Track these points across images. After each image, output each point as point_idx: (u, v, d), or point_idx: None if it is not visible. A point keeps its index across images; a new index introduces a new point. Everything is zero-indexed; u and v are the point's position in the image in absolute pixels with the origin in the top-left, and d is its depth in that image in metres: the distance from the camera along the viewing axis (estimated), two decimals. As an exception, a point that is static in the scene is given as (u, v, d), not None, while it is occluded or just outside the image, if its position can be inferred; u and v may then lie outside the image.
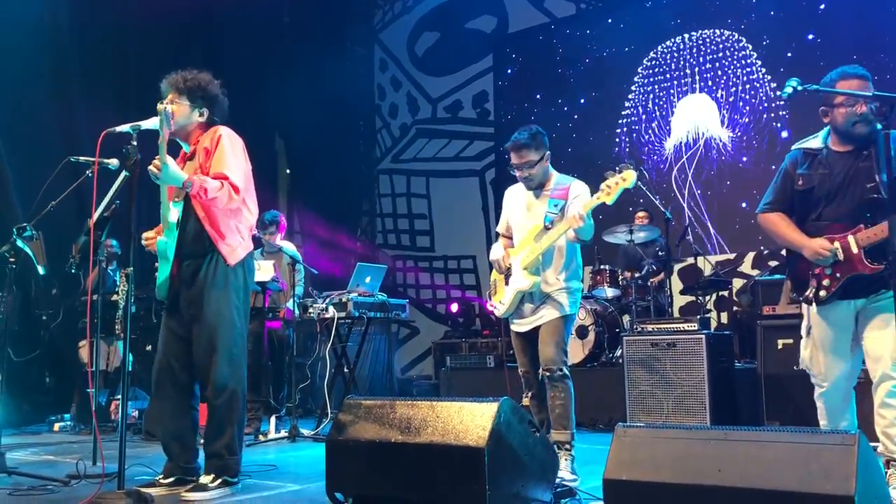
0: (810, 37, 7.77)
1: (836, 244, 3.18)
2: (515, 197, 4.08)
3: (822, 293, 3.25)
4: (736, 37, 8.27)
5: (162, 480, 3.66)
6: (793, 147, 3.46)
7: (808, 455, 2.21)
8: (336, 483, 3.14)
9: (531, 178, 3.89)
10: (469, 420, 2.87)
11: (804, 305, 3.41)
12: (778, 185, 3.45)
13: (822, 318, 3.32)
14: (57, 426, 6.71)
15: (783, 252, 7.47)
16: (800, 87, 2.88)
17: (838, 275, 3.20)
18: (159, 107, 3.45)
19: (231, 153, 3.63)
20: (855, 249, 3.15)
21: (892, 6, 7.29)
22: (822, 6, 7.75)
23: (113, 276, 6.85)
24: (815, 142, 3.36)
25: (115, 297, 6.13)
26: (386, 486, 3.01)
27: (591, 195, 3.74)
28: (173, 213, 3.68)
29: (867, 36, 7.31)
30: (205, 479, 3.57)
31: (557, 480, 3.25)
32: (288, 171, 10.72)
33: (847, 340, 3.29)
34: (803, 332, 3.42)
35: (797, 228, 3.35)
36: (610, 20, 9.13)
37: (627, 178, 3.53)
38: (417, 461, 2.94)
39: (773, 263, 7.68)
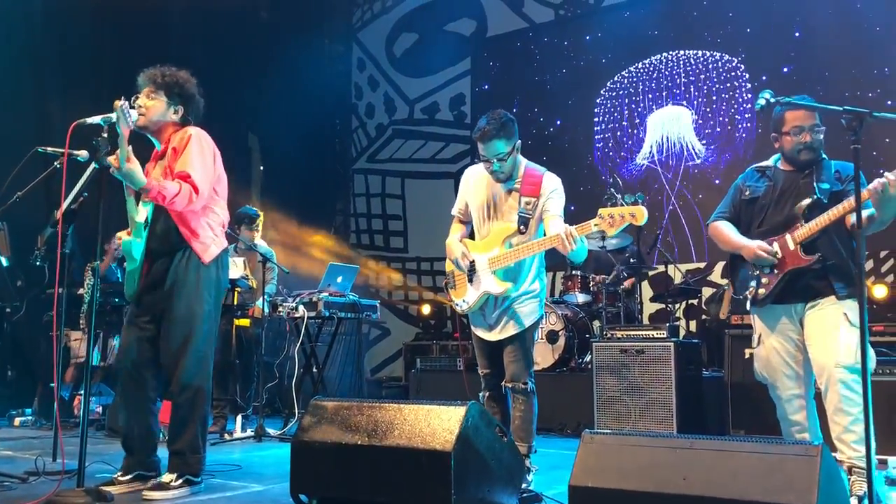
0: (786, 69, 7.86)
1: (775, 245, 3.38)
2: (478, 181, 3.78)
3: (762, 291, 3.40)
4: (711, 52, 8.35)
5: (121, 478, 3.60)
6: (749, 168, 3.72)
7: (771, 465, 2.23)
8: (300, 485, 3.11)
9: (501, 172, 3.62)
10: (436, 424, 2.86)
11: (753, 316, 3.56)
12: (728, 198, 3.72)
13: (766, 325, 3.48)
14: (17, 420, 6.58)
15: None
16: (773, 100, 2.94)
17: (776, 272, 3.38)
18: (116, 103, 3.35)
19: (198, 154, 3.57)
20: (792, 246, 3.35)
21: (865, 23, 7.40)
22: (797, 32, 7.85)
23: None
24: (767, 162, 3.64)
25: (81, 291, 6.04)
26: (351, 489, 2.99)
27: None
28: (142, 213, 3.64)
29: (839, 55, 7.41)
30: (167, 477, 3.52)
31: (523, 486, 3.24)
32: (262, 167, 10.63)
33: (793, 347, 3.42)
34: (754, 342, 3.57)
35: (738, 233, 3.57)
36: (588, 28, 9.17)
37: (638, 215, 3.29)
38: (383, 464, 2.92)
39: (742, 273, 7.75)
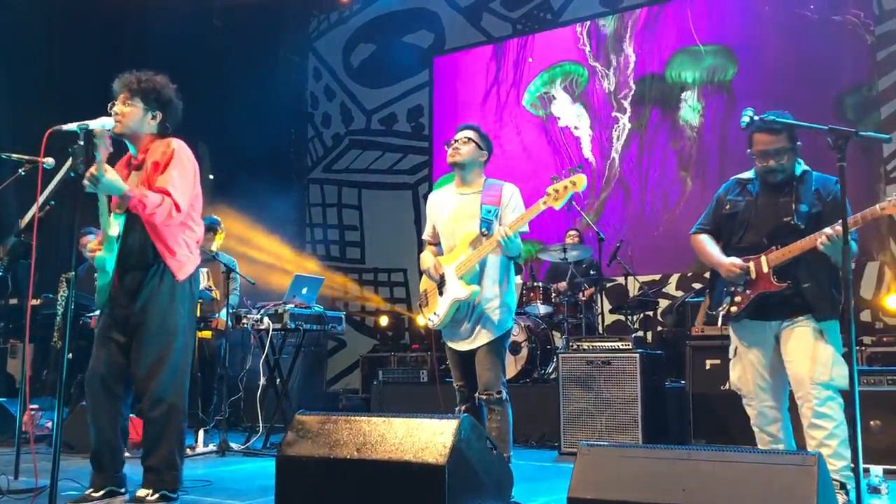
0: (735, 90, 8.10)
1: (750, 264, 3.44)
2: (442, 201, 3.95)
3: (734, 309, 3.48)
4: (666, 68, 8.55)
5: (94, 494, 3.49)
6: (731, 178, 3.74)
7: (770, 475, 2.27)
8: (286, 501, 3.05)
9: (459, 155, 3.79)
10: (429, 437, 2.84)
11: (730, 329, 3.62)
12: (710, 210, 3.75)
13: (742, 339, 3.55)
14: (-40, 437, 6.30)
15: (706, 274, 7.84)
16: (756, 117, 3.01)
17: (749, 292, 3.46)
18: (97, 130, 3.25)
19: (180, 171, 3.53)
20: (765, 269, 3.41)
21: (815, 51, 7.67)
22: (744, 53, 8.11)
23: None
24: (748, 173, 3.66)
25: (35, 302, 5.82)
26: (340, 504, 2.95)
27: (527, 201, 3.74)
28: (114, 226, 3.53)
29: (788, 79, 7.67)
30: (142, 492, 3.43)
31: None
32: (211, 176, 10.44)
33: (768, 361, 3.48)
34: (731, 353, 3.62)
35: (718, 249, 3.62)
36: (546, 41, 9.30)
37: (578, 182, 3.47)
38: (374, 478, 2.89)
39: (696, 285, 7.94)
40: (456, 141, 3.84)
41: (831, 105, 7.51)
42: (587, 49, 8.98)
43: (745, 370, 3.53)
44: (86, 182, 3.27)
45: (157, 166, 3.52)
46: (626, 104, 8.72)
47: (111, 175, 3.30)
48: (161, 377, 3.47)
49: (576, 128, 9.00)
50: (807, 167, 3.52)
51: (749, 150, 3.55)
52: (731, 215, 3.60)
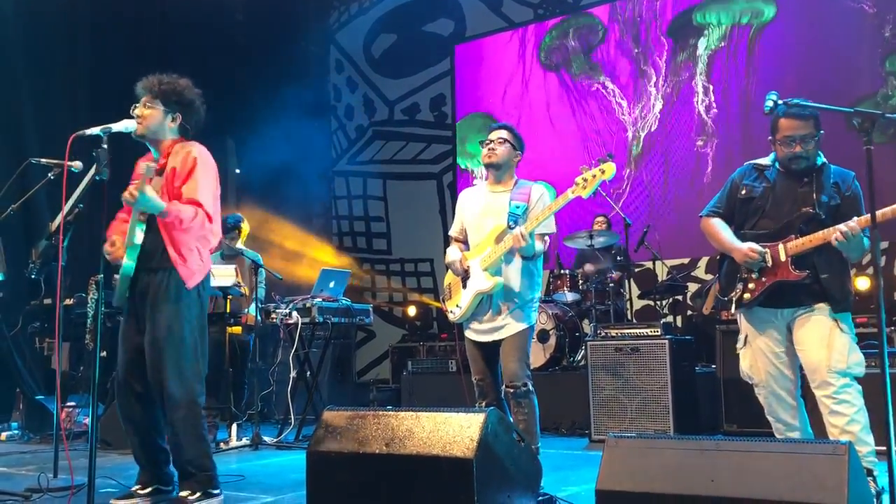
0: (753, 89, 7.99)
1: (767, 250, 3.34)
2: (472, 198, 4.00)
3: (747, 296, 3.40)
4: (690, 52, 8.44)
5: (140, 491, 3.54)
6: (745, 163, 3.64)
7: (800, 465, 2.25)
8: (317, 496, 3.08)
9: (495, 157, 3.83)
10: (456, 430, 2.85)
11: (739, 316, 3.55)
12: (723, 194, 3.65)
13: (752, 325, 3.47)
14: (3, 435, 6.46)
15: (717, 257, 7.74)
16: (780, 102, 2.96)
17: (764, 279, 3.36)
18: (142, 165, 3.36)
19: (205, 179, 3.55)
20: (783, 257, 3.32)
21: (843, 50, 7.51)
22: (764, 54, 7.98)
23: None
24: (765, 160, 3.56)
25: (69, 301, 5.93)
26: (370, 499, 2.97)
27: (557, 193, 3.75)
28: (139, 235, 3.55)
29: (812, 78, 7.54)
30: (184, 493, 3.46)
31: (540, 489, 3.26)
32: (238, 170, 10.54)
33: (780, 349, 3.41)
34: (740, 342, 3.56)
35: (732, 233, 3.52)
36: (568, 26, 9.22)
37: (607, 170, 3.46)
38: (403, 473, 2.91)
39: (726, 268, 7.84)
40: (491, 141, 3.86)
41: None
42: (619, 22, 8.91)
43: (755, 358, 3.46)
44: (125, 198, 3.33)
45: (176, 172, 3.53)
46: (648, 92, 8.62)
47: (150, 192, 3.35)
48: (172, 382, 3.46)
49: (604, 96, 8.91)
50: (825, 160, 3.43)
51: (771, 138, 3.46)
52: (747, 200, 3.50)
